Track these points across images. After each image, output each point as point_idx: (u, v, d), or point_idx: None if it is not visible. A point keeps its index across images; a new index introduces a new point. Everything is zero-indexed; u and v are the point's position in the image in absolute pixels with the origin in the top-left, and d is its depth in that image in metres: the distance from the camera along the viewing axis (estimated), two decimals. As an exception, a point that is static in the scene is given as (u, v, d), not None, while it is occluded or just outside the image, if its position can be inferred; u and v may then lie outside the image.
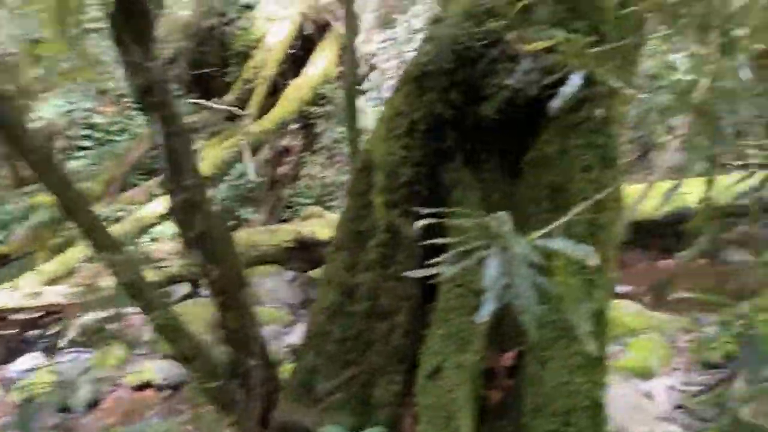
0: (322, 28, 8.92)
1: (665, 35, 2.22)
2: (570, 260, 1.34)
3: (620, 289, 5.83)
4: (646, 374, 4.53)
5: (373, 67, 8.45)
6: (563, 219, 1.47)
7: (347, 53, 3.32)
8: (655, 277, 5.44)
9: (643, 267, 6.41)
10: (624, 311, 5.30)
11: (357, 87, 8.20)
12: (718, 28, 1.88)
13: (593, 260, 1.27)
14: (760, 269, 1.97)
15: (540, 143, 2.18)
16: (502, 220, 1.33)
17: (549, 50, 1.99)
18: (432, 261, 1.37)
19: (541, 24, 2.12)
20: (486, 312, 1.25)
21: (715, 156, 1.57)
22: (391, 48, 8.14)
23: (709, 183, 2.04)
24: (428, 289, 2.24)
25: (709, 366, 4.04)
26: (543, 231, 1.39)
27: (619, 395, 4.23)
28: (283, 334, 5.55)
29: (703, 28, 1.91)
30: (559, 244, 1.32)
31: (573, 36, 2.00)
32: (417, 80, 2.20)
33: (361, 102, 7.52)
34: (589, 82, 1.91)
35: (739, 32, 1.99)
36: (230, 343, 2.68)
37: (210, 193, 8.33)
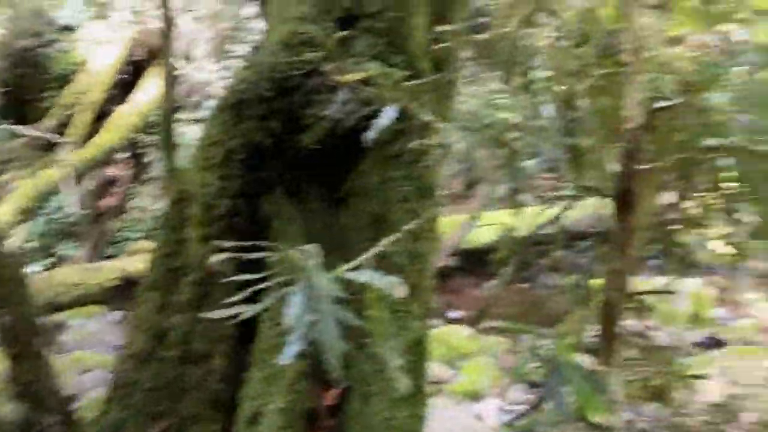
0: (154, 53, 8.52)
1: (476, 72, 2.33)
2: (381, 292, 1.31)
3: (453, 314, 6.06)
4: (477, 396, 4.70)
5: (208, 96, 8.18)
6: (374, 250, 1.44)
7: (166, 79, 3.14)
8: (484, 303, 5.70)
9: (475, 292, 6.73)
10: (456, 336, 5.51)
11: (192, 115, 7.92)
12: (521, 67, 1.99)
13: (400, 292, 1.25)
14: (567, 294, 2.08)
15: (361, 174, 2.18)
16: (308, 254, 1.27)
17: (367, 83, 2.00)
18: (232, 300, 1.27)
19: (359, 57, 2.13)
20: (290, 353, 1.17)
21: (517, 188, 1.64)
22: (227, 77, 7.94)
23: (516, 214, 2.14)
24: (248, 329, 2.12)
25: (533, 385, 4.28)
26: (354, 263, 1.35)
27: (451, 418, 4.35)
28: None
29: (509, 67, 2.02)
30: (367, 276, 1.28)
31: (389, 70, 2.03)
32: (233, 108, 2.10)
33: (195, 130, 7.22)
34: (405, 114, 1.94)
35: (542, 73, 2.13)
36: (24, 398, 2.34)
37: (23, 227, 7.54)
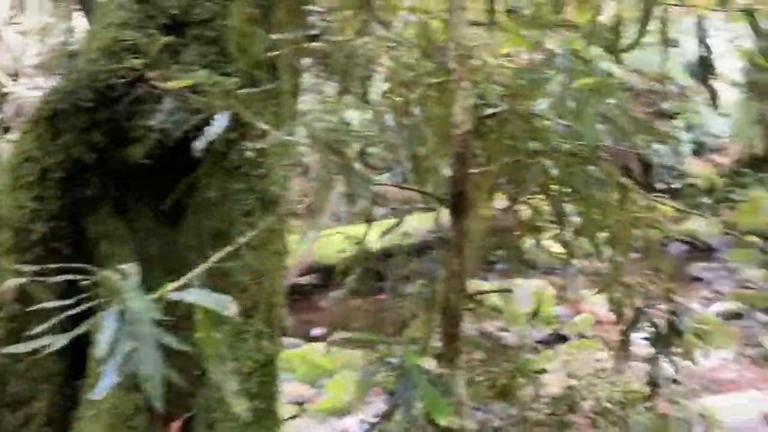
0: (-28, 68, 7.70)
1: (318, 82, 2.30)
2: (212, 312, 1.22)
3: (315, 332, 5.98)
4: (341, 412, 4.65)
5: (38, 114, 7.51)
6: (203, 267, 1.35)
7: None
8: (338, 316, 5.65)
9: (335, 308, 6.67)
10: (318, 353, 5.43)
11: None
12: (358, 76, 1.99)
13: (232, 310, 1.17)
14: (413, 301, 2.09)
15: (199, 188, 2.06)
16: (125, 274, 1.16)
17: (197, 91, 1.90)
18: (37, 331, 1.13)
19: (189, 65, 2.03)
20: (105, 386, 1.04)
21: (358, 199, 1.62)
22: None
23: (367, 227, 2.14)
24: (79, 364, 1.92)
25: (391, 394, 4.31)
26: (180, 282, 1.25)
27: (316, 438, 4.27)
28: None
29: (346, 77, 2.01)
30: (195, 295, 1.19)
31: (221, 78, 1.94)
32: (49, 120, 1.91)
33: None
34: (240, 124, 1.86)
35: (380, 82, 2.15)
36: None
37: None
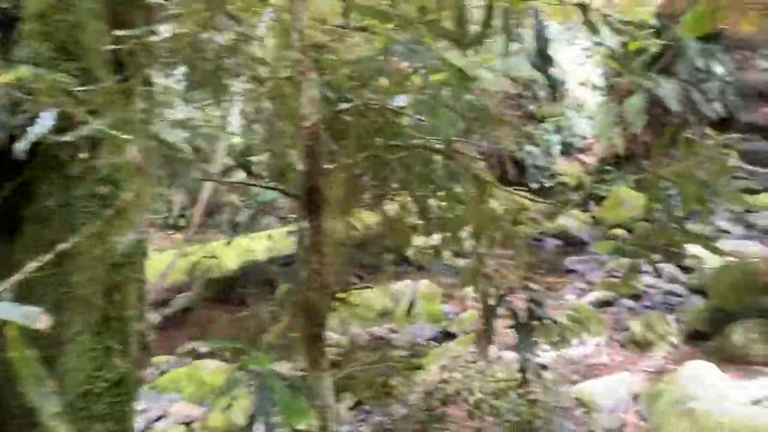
0: None
1: (166, 78, 2.18)
2: (28, 329, 1.10)
3: (201, 349, 5.72)
4: (230, 430, 4.48)
5: None
6: (15, 278, 1.21)
7: None
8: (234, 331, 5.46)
9: (226, 321, 6.48)
10: (207, 370, 5.21)
11: None
12: (206, 70, 1.91)
13: (42, 324, 1.06)
14: (275, 306, 2.03)
15: (37, 195, 1.88)
16: None
17: (27, 90, 1.74)
18: None
19: (20, 63, 1.85)
20: None
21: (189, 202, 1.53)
22: None
23: (228, 241, 2.03)
24: None
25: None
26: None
27: (200, 460, 4.07)
28: None
29: (193, 70, 1.92)
30: (2, 310, 1.06)
31: (55, 75, 1.79)
32: None
33: None
34: (76, 125, 1.72)
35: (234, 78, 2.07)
36: None
37: None
